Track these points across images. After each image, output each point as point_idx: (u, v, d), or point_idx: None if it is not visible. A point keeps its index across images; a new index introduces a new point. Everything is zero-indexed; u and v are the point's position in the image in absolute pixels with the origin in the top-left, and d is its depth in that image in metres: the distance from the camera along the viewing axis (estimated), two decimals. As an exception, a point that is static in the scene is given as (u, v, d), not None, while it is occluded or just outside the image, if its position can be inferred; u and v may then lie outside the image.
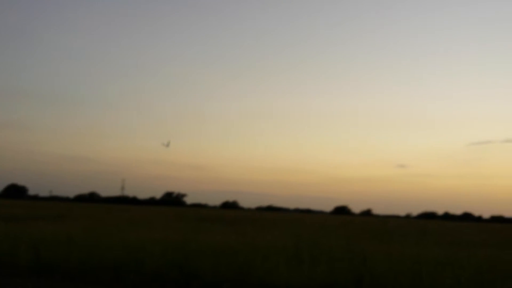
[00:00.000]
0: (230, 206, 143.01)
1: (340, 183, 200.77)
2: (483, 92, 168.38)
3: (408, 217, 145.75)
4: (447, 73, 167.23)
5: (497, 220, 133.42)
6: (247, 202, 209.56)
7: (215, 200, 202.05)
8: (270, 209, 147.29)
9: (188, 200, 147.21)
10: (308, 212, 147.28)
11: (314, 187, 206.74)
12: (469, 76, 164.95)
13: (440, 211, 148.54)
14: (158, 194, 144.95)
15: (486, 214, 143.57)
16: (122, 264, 9.66)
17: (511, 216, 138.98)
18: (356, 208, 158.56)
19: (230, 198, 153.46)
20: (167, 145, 64.31)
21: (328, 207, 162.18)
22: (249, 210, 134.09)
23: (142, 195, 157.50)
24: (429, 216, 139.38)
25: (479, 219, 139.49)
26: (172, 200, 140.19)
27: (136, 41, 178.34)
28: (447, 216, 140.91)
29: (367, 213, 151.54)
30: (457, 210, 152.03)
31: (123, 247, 10.78)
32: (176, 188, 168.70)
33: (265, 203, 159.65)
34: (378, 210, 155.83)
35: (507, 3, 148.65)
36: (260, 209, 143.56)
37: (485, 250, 14.87)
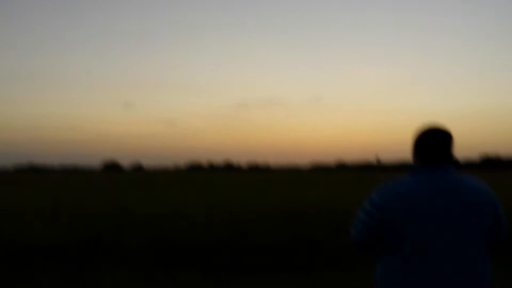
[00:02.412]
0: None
1: (110, 139, 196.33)
2: (241, 60, 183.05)
3: (176, 169, 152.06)
4: (212, 42, 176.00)
5: (253, 167, 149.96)
6: (2, 161, 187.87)
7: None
8: (32, 169, 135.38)
9: None
10: (75, 169, 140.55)
11: (83, 144, 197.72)
12: (225, 46, 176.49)
13: (205, 162, 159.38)
14: None
15: (244, 163, 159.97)
16: None
17: (265, 164, 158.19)
18: (127, 163, 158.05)
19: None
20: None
21: (98, 164, 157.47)
22: (5, 171, 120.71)
23: None
24: (195, 168, 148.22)
25: (238, 168, 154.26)
26: None
27: None
28: (211, 167, 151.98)
29: (137, 168, 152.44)
30: (220, 161, 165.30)
31: None
32: None
33: (24, 161, 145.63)
34: (148, 164, 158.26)
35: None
36: (19, 170, 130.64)
37: (239, 192, 16.63)
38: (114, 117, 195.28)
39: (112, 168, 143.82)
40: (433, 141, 1.94)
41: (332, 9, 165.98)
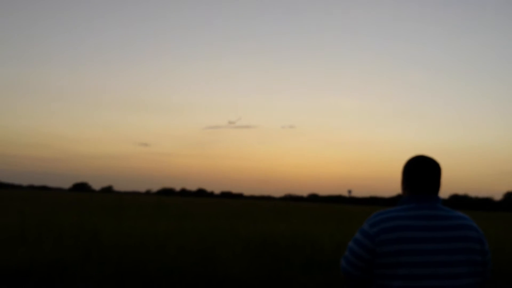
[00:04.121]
0: None
1: (80, 159, 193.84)
2: (218, 81, 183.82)
3: (148, 193, 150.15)
4: (187, 64, 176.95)
5: (226, 195, 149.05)
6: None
7: None
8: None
9: None
10: (44, 189, 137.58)
11: (52, 163, 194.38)
12: (200, 69, 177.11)
13: (177, 187, 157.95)
14: None
15: (217, 190, 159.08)
16: None
17: (238, 192, 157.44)
18: (97, 185, 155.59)
19: None
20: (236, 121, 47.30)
21: (67, 184, 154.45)
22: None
23: None
24: (167, 193, 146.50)
25: (211, 194, 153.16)
26: None
27: None
28: (183, 192, 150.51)
29: (107, 190, 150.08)
30: (193, 187, 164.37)
31: None
32: None
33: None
34: (119, 187, 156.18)
35: None
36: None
37: (211, 221, 16.43)
38: (87, 135, 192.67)
39: (81, 189, 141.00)
40: (423, 171, 1.94)
41: (310, 35, 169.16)
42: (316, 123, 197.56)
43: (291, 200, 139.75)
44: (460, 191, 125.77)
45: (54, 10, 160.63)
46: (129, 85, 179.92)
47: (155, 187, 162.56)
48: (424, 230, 1.84)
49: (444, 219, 1.88)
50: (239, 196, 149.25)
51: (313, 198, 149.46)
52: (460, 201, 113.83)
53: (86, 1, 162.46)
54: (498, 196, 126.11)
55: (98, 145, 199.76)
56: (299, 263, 7.85)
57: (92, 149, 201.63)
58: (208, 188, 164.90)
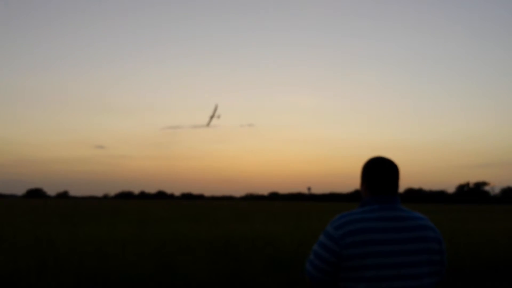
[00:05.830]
0: None
1: (33, 164, 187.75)
2: (175, 82, 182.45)
3: (105, 197, 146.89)
4: (144, 67, 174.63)
5: (187, 197, 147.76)
6: None
7: None
8: None
9: None
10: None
11: (3, 169, 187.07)
12: (156, 71, 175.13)
13: (136, 190, 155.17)
14: None
15: (177, 192, 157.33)
16: None
17: (199, 193, 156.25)
18: (52, 191, 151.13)
19: None
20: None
21: (20, 191, 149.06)
22: None
23: None
24: (126, 196, 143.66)
25: (171, 196, 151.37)
26: None
27: None
28: (143, 195, 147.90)
29: (63, 196, 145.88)
30: (152, 189, 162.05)
31: None
32: None
33: None
34: (75, 192, 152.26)
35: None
36: None
37: (171, 224, 16.24)
38: (40, 139, 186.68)
39: (35, 195, 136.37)
40: (383, 173, 1.98)
41: (268, 34, 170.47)
42: (274, 122, 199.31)
43: (252, 199, 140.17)
44: (415, 185, 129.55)
45: (11, 11, 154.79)
46: (83, 87, 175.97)
47: (112, 191, 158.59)
48: (387, 231, 1.87)
49: (405, 220, 1.92)
50: (200, 197, 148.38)
51: (274, 197, 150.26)
52: (415, 194, 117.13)
53: (45, 3, 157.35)
54: (451, 189, 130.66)
55: (52, 149, 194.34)
56: (261, 263, 7.87)
57: (46, 153, 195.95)
58: (168, 190, 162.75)
